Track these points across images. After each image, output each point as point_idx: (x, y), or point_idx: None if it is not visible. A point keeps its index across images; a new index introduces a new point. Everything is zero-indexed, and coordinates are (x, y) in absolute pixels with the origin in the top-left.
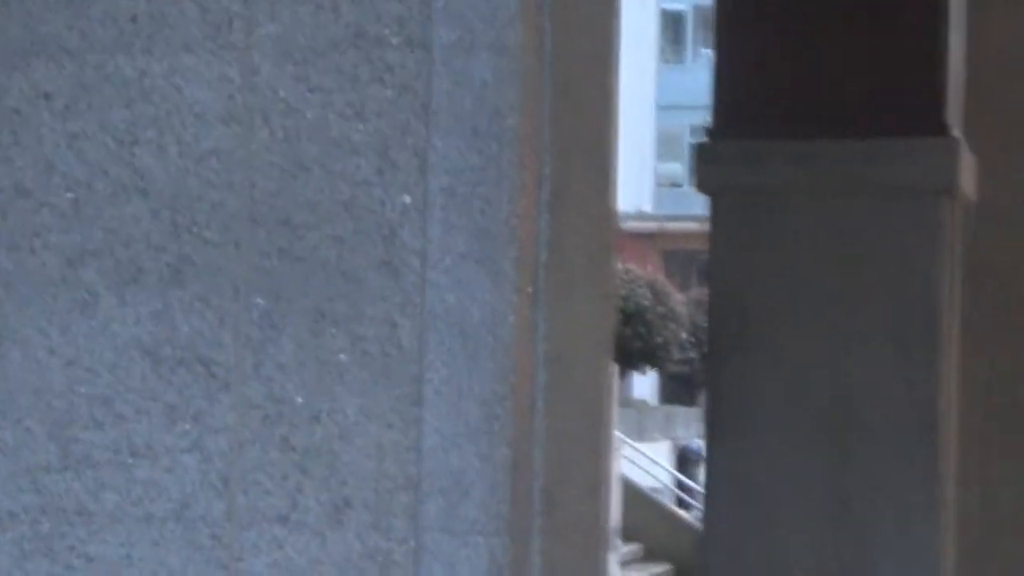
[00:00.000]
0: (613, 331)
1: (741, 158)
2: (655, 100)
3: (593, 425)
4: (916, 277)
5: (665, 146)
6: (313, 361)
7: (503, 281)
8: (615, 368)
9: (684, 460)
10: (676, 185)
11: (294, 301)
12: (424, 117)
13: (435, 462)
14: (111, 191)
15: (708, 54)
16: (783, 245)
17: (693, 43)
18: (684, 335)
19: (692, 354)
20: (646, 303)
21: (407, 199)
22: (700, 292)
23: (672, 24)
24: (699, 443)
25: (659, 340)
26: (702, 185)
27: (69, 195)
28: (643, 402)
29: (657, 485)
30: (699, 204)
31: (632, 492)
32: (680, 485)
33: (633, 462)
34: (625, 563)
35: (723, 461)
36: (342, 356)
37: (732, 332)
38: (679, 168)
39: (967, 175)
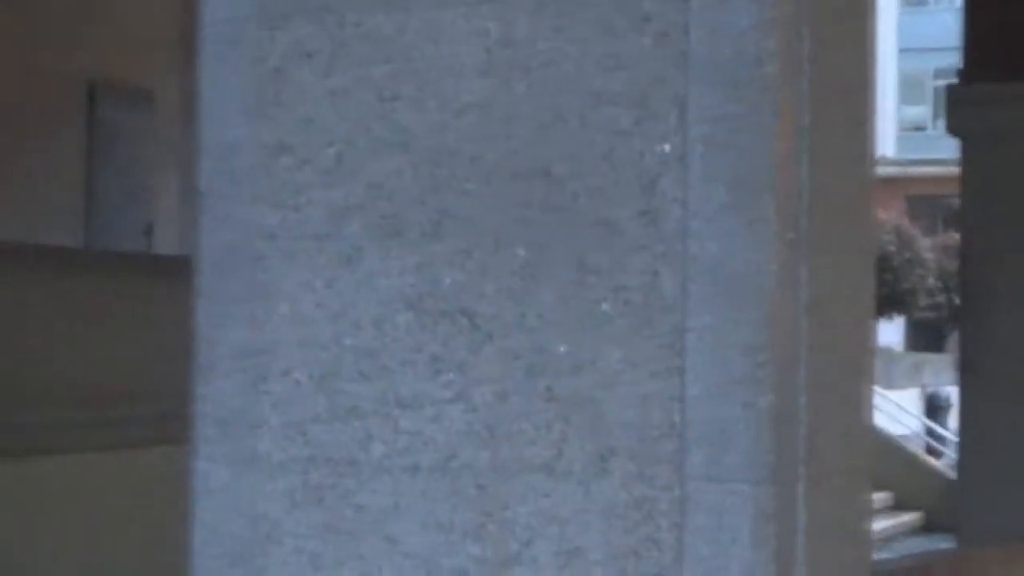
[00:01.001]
0: (873, 279)
1: (994, 100)
2: (897, 43)
3: (854, 374)
4: None
5: (908, 90)
6: (575, 311)
7: (764, 229)
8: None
9: (933, 407)
10: (920, 129)
11: (555, 252)
12: (682, 66)
13: (698, 411)
14: (372, 146)
15: None
16: None
17: None
18: (931, 281)
19: (939, 300)
20: (891, 249)
21: (666, 148)
22: (946, 237)
23: None
24: (948, 390)
25: (905, 286)
26: (953, 128)
27: (331, 151)
28: (889, 349)
29: (906, 433)
30: (943, 148)
31: (881, 440)
32: (929, 432)
33: (881, 410)
34: (875, 512)
35: (975, 408)
36: (604, 306)
37: (986, 278)
38: (922, 112)
39: None
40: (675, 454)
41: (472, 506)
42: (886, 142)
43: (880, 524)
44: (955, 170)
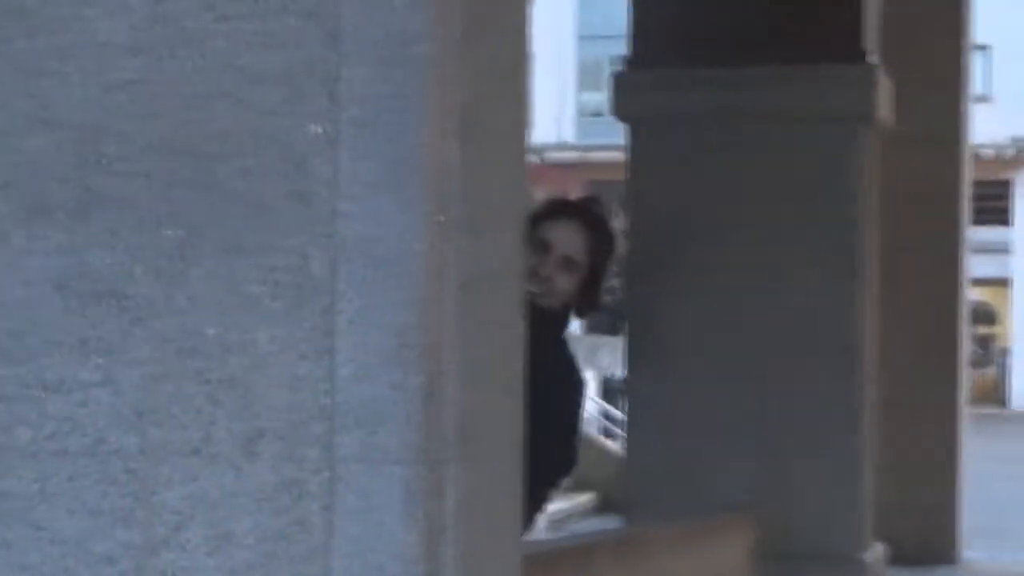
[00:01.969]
0: (524, 259)
1: (658, 86)
2: (576, 30)
3: (506, 353)
4: (835, 205)
5: (587, 76)
6: (225, 293)
7: (413, 210)
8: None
9: (608, 390)
10: (598, 115)
11: (205, 233)
12: (333, 45)
13: (348, 392)
14: (15, 123)
15: None
16: (702, 173)
17: None
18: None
19: (615, 284)
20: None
21: (317, 129)
22: (623, 222)
23: None
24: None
25: None
26: (619, 113)
27: None
28: (568, 332)
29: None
30: (622, 133)
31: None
32: (605, 415)
33: None
34: None
35: (644, 390)
36: (254, 287)
37: (652, 261)
38: (600, 98)
39: (884, 101)
40: (325, 436)
41: (121, 491)
42: (566, 127)
43: (555, 505)
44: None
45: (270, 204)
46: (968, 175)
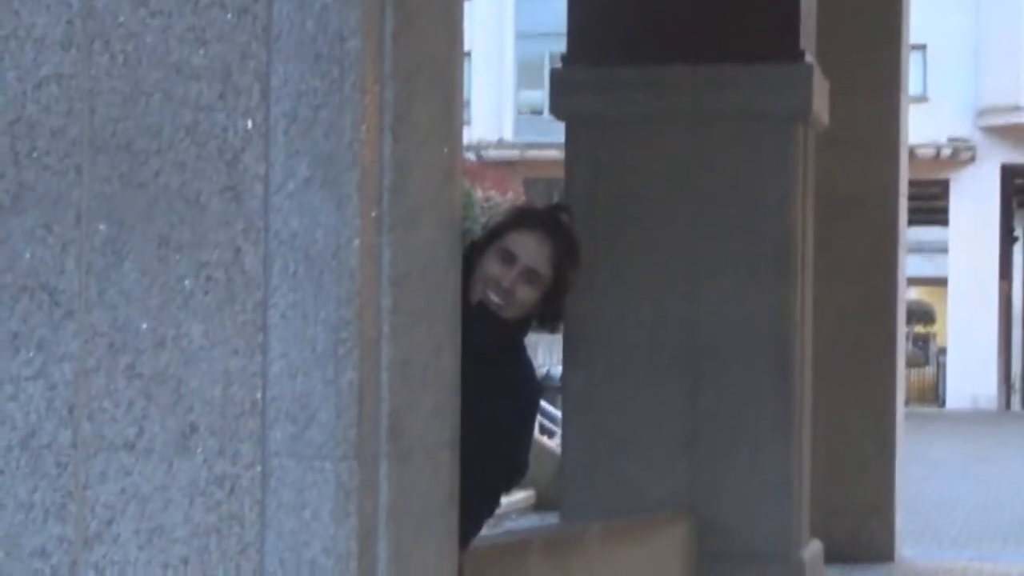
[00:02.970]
0: (460, 256)
1: (594, 85)
2: (515, 27)
3: (440, 349)
4: (770, 205)
5: (525, 74)
6: (157, 287)
7: (347, 205)
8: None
9: (546, 388)
10: (537, 113)
11: (137, 227)
12: (265, 41)
13: (281, 387)
14: None
15: None
16: (637, 172)
17: None
18: None
19: None
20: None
21: (249, 124)
22: None
23: None
24: (560, 370)
25: None
26: (557, 111)
27: None
28: None
29: None
30: (560, 132)
31: None
32: (543, 412)
33: None
34: None
35: (578, 389)
36: (186, 282)
37: (586, 260)
38: (539, 96)
39: (820, 101)
40: (258, 431)
41: (53, 485)
42: (504, 125)
43: None
44: None
45: (203, 199)
46: (905, 175)
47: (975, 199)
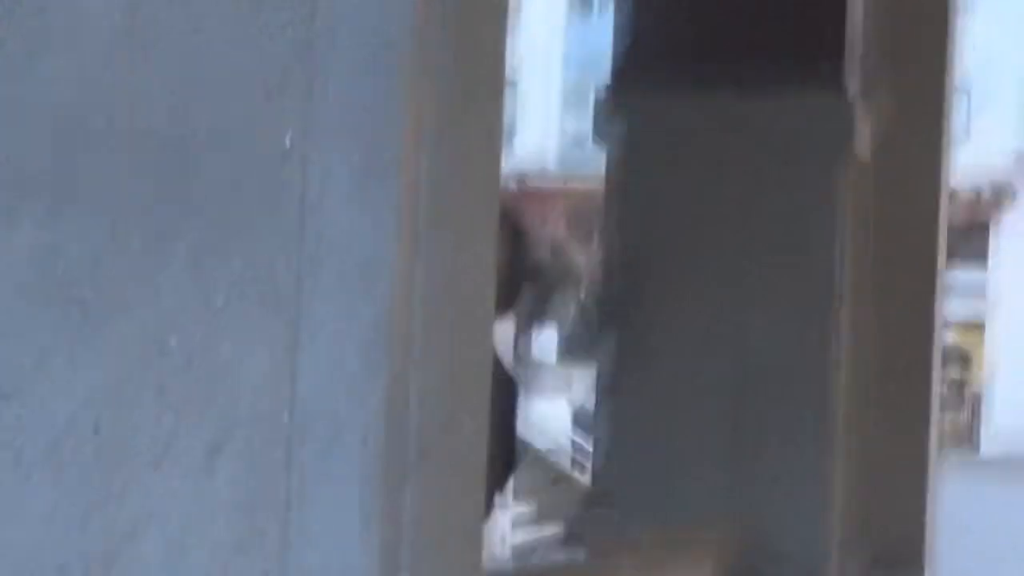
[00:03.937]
0: (495, 278)
1: (638, 112)
2: (562, 53)
3: (473, 373)
4: (813, 236)
5: (571, 100)
6: (189, 300)
7: (384, 223)
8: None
9: (580, 420)
10: (582, 140)
11: (171, 238)
12: (311, 50)
13: (310, 406)
14: None
15: None
16: (680, 201)
17: None
18: (584, 294)
19: (589, 305)
20: (546, 260)
21: (289, 135)
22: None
23: None
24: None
25: (559, 298)
26: (599, 139)
27: None
28: (542, 361)
29: (552, 446)
30: (603, 161)
31: (527, 452)
32: (575, 446)
33: (529, 422)
34: (517, 523)
35: (615, 419)
36: (218, 296)
37: (625, 293)
38: (584, 124)
39: (862, 136)
40: (285, 451)
41: (76, 499)
42: (548, 153)
43: (522, 536)
44: None
45: (238, 211)
46: (945, 214)
47: (1017, 241)
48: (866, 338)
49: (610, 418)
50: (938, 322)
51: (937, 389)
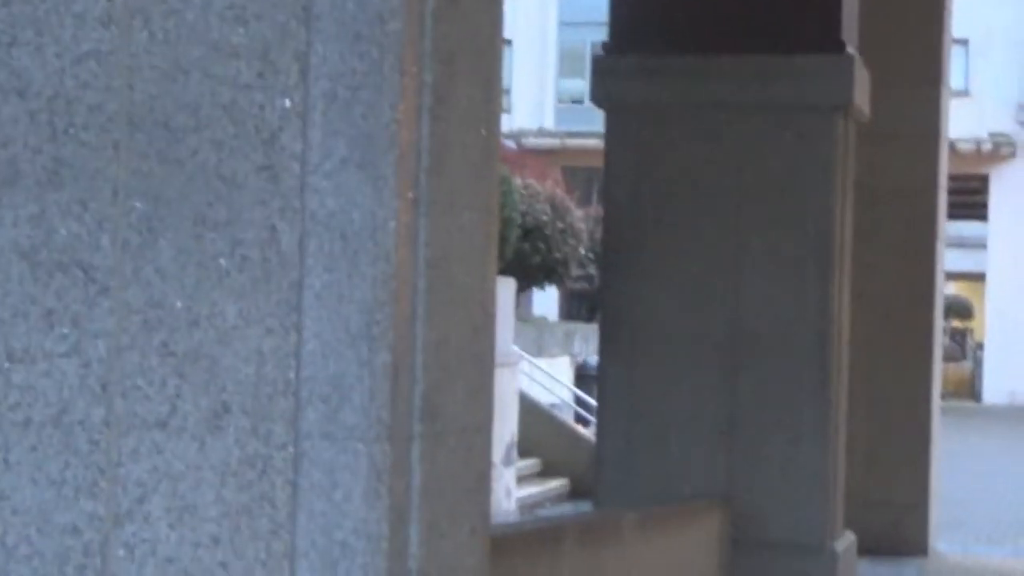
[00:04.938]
0: (495, 239)
1: (636, 73)
2: (558, 16)
3: (475, 332)
4: (810, 196)
5: (567, 62)
6: (192, 266)
7: (384, 186)
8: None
9: (582, 376)
10: (578, 101)
11: (173, 205)
12: (305, 20)
13: (314, 368)
14: None
15: None
16: (678, 161)
17: None
18: (583, 251)
19: (592, 270)
20: (545, 219)
21: (287, 103)
22: (599, 209)
23: None
24: (596, 359)
25: (558, 256)
26: (597, 99)
27: None
28: (544, 318)
29: (556, 401)
30: (600, 120)
31: (531, 408)
32: (578, 401)
33: (532, 378)
34: (523, 478)
35: (616, 376)
36: (221, 260)
37: (626, 248)
38: (581, 84)
39: (861, 93)
40: (290, 411)
41: (85, 462)
42: (546, 114)
43: (528, 490)
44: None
45: (239, 178)
46: (945, 169)
47: (1015, 194)
48: (865, 293)
49: (607, 377)
50: (939, 274)
51: (939, 344)
